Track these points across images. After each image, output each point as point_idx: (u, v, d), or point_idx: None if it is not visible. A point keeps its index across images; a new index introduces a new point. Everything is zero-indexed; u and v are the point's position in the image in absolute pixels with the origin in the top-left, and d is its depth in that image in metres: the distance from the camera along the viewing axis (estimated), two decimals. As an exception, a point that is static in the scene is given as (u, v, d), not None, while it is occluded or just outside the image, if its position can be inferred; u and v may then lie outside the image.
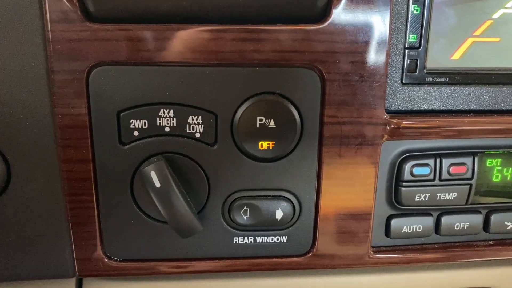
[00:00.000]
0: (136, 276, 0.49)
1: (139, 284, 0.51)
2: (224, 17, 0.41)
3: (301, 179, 0.46)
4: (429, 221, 0.51)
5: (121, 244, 0.47)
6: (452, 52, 0.46)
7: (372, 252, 0.51)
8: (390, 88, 0.46)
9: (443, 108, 0.48)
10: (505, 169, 0.51)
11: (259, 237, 0.48)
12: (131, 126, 0.43)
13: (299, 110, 0.44)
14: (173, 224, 0.44)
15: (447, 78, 0.47)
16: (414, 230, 0.51)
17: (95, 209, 0.45)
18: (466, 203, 0.51)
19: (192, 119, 0.43)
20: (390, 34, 0.43)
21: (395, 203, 0.50)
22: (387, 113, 0.45)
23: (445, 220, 0.51)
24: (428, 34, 0.45)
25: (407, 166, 0.48)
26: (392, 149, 0.48)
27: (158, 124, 0.43)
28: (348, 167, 0.46)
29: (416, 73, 0.46)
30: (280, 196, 0.47)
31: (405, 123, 0.46)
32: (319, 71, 0.43)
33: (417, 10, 0.44)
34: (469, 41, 0.46)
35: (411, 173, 0.48)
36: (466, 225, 0.52)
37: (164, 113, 0.43)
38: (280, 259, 0.49)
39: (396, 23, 0.45)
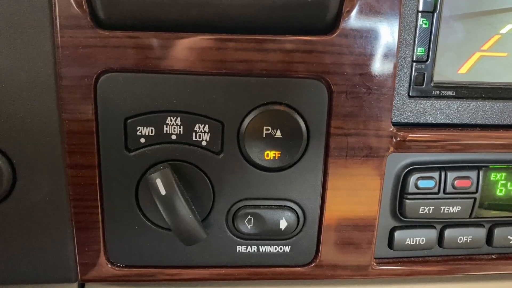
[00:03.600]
0: (138, 282, 0.49)
1: (141, 291, 0.51)
2: (233, 26, 0.41)
3: (306, 190, 0.46)
4: (432, 233, 0.51)
5: (124, 250, 0.47)
6: (459, 66, 0.46)
7: (375, 264, 0.51)
8: (397, 101, 0.46)
9: (449, 121, 0.48)
10: (509, 183, 0.51)
11: (262, 246, 0.49)
12: (138, 133, 0.43)
13: (305, 120, 0.44)
14: (177, 231, 0.44)
15: (454, 92, 0.47)
16: (417, 242, 0.51)
17: (99, 214, 0.45)
18: (470, 217, 0.51)
19: (199, 127, 0.43)
20: (398, 47, 0.43)
21: (399, 215, 0.50)
22: (393, 125, 0.45)
23: (448, 233, 0.52)
24: (436, 48, 0.45)
25: (412, 179, 0.48)
26: (398, 161, 0.48)
27: (164, 132, 0.43)
28: (353, 178, 0.46)
29: (423, 86, 0.46)
30: (285, 206, 0.47)
31: (411, 136, 0.46)
32: (327, 83, 0.43)
33: (425, 24, 0.45)
34: (477, 55, 0.46)
35: (416, 186, 0.48)
36: (469, 239, 0.52)
37: (171, 120, 0.43)
38: (283, 269, 0.49)
39: (404, 36, 0.45)
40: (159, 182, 0.42)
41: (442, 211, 0.50)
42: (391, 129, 0.45)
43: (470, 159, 0.50)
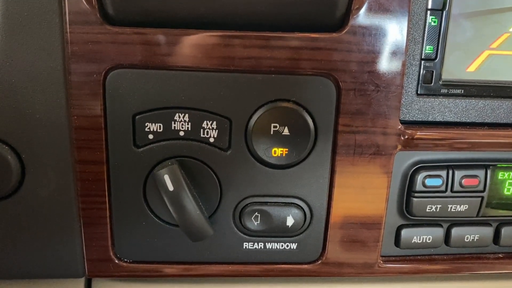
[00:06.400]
0: (145, 278, 0.50)
1: (148, 286, 0.51)
2: (242, 23, 0.41)
3: (313, 187, 0.46)
4: (439, 232, 0.51)
5: (131, 246, 0.48)
6: (468, 64, 0.46)
7: (381, 261, 0.51)
8: (405, 99, 0.46)
9: (458, 120, 0.47)
10: (517, 182, 0.51)
11: (269, 243, 0.49)
12: (146, 129, 0.43)
13: (313, 118, 0.44)
14: (184, 227, 0.44)
15: (462, 90, 0.47)
16: (424, 241, 0.51)
17: (107, 210, 0.46)
18: (477, 215, 0.51)
19: (207, 124, 0.43)
20: (407, 44, 0.43)
21: (406, 213, 0.50)
22: (401, 123, 0.45)
23: (455, 231, 0.51)
24: (444, 46, 0.45)
25: (420, 177, 0.48)
26: (405, 159, 0.48)
27: (173, 128, 0.43)
28: (360, 176, 0.46)
29: (432, 84, 0.46)
30: (292, 203, 0.47)
31: (419, 134, 0.46)
32: (335, 80, 0.43)
33: (434, 22, 0.44)
34: (486, 53, 0.46)
35: (423, 184, 0.48)
36: (476, 237, 0.52)
37: (179, 117, 0.43)
38: (289, 266, 0.49)
39: (413, 34, 0.45)
40: (167, 178, 0.43)
41: (449, 210, 0.49)
42: (399, 127, 0.45)
43: (478, 158, 0.50)
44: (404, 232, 0.51)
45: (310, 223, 0.48)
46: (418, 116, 0.47)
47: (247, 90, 0.43)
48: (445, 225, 0.52)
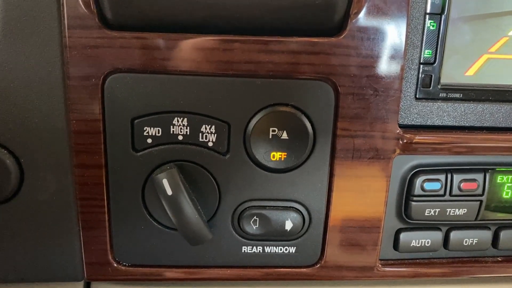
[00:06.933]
0: (144, 281, 0.50)
1: (147, 290, 0.52)
2: (240, 28, 0.41)
3: (312, 191, 0.46)
4: (438, 235, 0.51)
5: (130, 249, 0.48)
6: (466, 68, 0.46)
7: (380, 265, 0.51)
8: (404, 103, 0.46)
9: (456, 124, 0.47)
10: (515, 185, 0.51)
11: (267, 247, 0.49)
12: (145, 133, 0.43)
13: (312, 122, 0.44)
14: (183, 231, 0.44)
15: (461, 94, 0.47)
16: (423, 244, 0.51)
17: (106, 214, 0.46)
18: (476, 219, 0.51)
19: (205, 128, 0.43)
20: (405, 49, 0.43)
21: (404, 217, 0.50)
22: (400, 127, 0.45)
23: (454, 235, 0.51)
24: (443, 50, 0.45)
25: (418, 181, 0.48)
26: (404, 163, 0.48)
27: (171, 132, 0.43)
28: (359, 180, 0.46)
29: (430, 88, 0.46)
30: (290, 207, 0.47)
31: (418, 138, 0.46)
32: (333, 84, 0.43)
33: (433, 26, 0.44)
34: (484, 57, 0.46)
35: (422, 188, 0.48)
36: (475, 241, 0.52)
37: (178, 121, 0.43)
38: (288, 270, 0.49)
39: (412, 38, 0.45)
40: (165, 183, 0.42)
41: (448, 214, 0.49)
42: (398, 131, 0.45)
43: (476, 162, 0.50)
44: (403, 236, 0.51)
45: (308, 226, 0.48)
46: (417, 120, 0.47)
47: (246, 94, 0.43)
48: (444, 229, 0.52)
